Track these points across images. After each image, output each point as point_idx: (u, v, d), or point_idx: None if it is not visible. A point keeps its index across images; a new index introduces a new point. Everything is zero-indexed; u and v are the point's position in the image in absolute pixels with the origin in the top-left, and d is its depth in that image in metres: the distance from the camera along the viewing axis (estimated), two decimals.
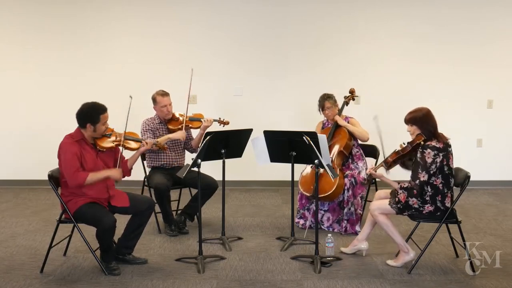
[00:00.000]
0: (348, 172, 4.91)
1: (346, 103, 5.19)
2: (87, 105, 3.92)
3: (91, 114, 3.87)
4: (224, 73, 6.75)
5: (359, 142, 5.15)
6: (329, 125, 5.17)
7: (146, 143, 4.23)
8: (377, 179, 5.20)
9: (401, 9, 6.66)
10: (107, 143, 3.98)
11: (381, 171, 4.13)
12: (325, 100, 5.06)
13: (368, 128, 4.99)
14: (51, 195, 5.81)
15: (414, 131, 3.99)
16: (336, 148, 4.99)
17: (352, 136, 5.04)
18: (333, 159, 4.93)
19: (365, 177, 4.83)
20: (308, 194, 4.85)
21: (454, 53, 6.70)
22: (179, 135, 4.84)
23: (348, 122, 5.08)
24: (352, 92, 5.23)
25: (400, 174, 4.14)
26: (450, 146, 3.93)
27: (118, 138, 4.04)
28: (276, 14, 6.67)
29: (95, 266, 4.06)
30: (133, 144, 4.18)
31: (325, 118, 5.23)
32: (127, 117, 4.08)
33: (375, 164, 5.06)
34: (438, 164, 3.85)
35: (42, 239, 4.75)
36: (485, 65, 6.73)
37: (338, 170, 4.87)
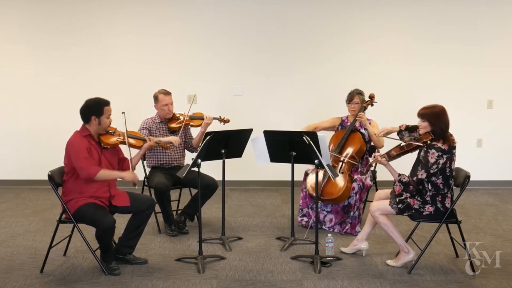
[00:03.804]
0: (356, 176, 4.88)
1: (364, 108, 5.09)
2: (91, 100, 4.04)
3: (95, 107, 3.98)
4: (224, 73, 6.75)
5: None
6: (348, 123, 5.13)
7: (149, 139, 4.31)
8: (376, 179, 5.24)
9: (401, 9, 6.65)
10: (111, 140, 4.07)
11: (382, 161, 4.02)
12: (357, 94, 5.09)
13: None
14: (51, 195, 5.81)
15: (424, 127, 3.90)
16: (348, 152, 4.96)
17: (365, 141, 5.01)
18: (344, 162, 4.92)
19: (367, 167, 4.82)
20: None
21: (454, 53, 6.70)
22: (171, 138, 4.81)
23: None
24: (372, 97, 5.13)
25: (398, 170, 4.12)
26: (454, 148, 3.89)
27: (121, 136, 4.13)
28: (276, 14, 6.67)
29: (95, 266, 4.06)
30: (136, 142, 4.28)
31: (345, 116, 5.22)
32: (126, 130, 4.15)
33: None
34: (440, 165, 3.82)
35: (42, 239, 4.75)
36: (485, 65, 6.73)
37: (347, 174, 4.85)
